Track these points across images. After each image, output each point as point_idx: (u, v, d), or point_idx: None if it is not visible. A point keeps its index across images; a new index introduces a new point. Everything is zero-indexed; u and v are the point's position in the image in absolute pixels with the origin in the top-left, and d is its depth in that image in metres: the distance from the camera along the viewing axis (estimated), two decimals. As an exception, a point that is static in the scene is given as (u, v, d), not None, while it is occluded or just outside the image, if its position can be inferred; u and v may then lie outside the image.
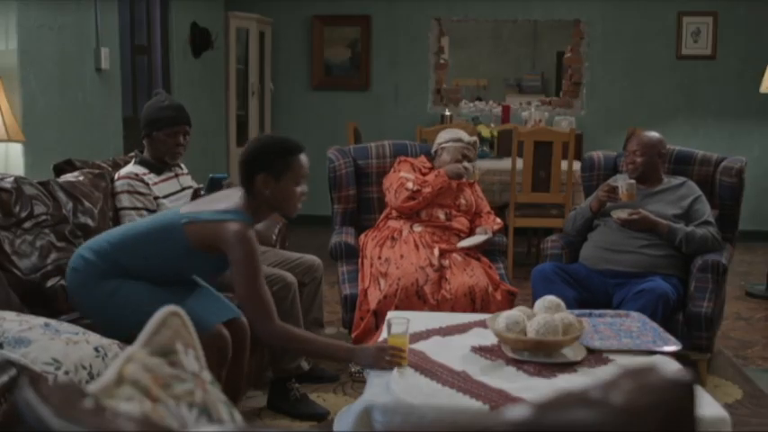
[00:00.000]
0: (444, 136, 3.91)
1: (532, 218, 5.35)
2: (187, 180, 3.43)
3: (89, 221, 3.11)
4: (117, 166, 3.46)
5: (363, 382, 2.65)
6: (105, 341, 2.24)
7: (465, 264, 3.54)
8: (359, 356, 2.43)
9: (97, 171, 3.32)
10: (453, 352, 2.47)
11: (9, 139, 3.84)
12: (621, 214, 3.50)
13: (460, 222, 3.76)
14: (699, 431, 0.74)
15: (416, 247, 3.55)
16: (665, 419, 0.70)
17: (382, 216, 3.85)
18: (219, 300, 2.77)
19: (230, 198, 2.55)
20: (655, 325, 2.77)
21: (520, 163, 5.20)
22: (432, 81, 7.23)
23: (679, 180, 3.67)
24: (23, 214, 2.86)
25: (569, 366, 2.37)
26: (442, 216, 3.73)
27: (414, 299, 3.36)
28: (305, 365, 3.25)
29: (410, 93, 7.23)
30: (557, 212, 5.28)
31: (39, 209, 2.94)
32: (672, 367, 0.99)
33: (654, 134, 3.69)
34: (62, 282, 2.86)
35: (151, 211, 3.16)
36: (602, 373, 2.30)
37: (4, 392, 1.85)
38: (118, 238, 2.60)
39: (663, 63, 6.97)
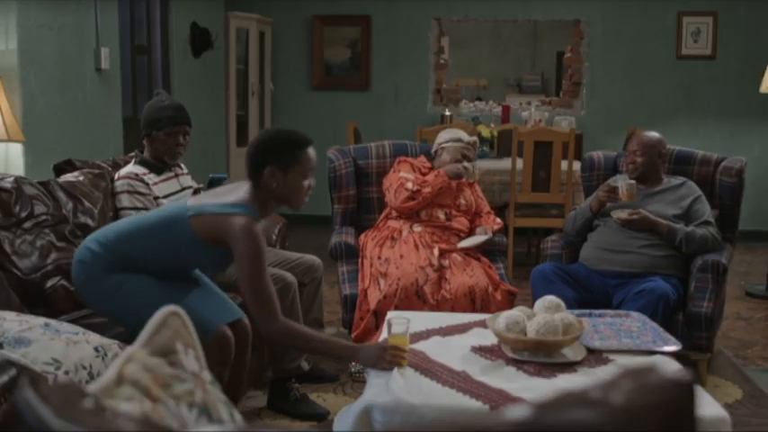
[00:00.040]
0: (444, 136, 3.91)
1: (532, 218, 5.35)
2: (187, 180, 3.43)
3: (89, 221, 3.11)
4: (117, 166, 3.46)
5: (363, 382, 2.65)
6: (105, 341, 2.24)
7: (465, 264, 3.54)
8: (361, 355, 2.42)
9: (97, 171, 3.33)
10: (453, 352, 2.47)
11: (9, 139, 3.84)
12: (621, 214, 3.50)
13: (460, 222, 3.76)
14: (699, 431, 0.74)
15: (416, 247, 3.55)
16: (665, 419, 0.70)
17: (382, 216, 3.85)
18: (224, 300, 2.77)
19: (237, 191, 2.54)
20: (655, 325, 2.77)
21: (520, 163, 5.20)
22: (432, 81, 7.23)
23: (679, 180, 3.67)
24: (23, 214, 2.86)
25: (569, 366, 2.37)
26: (441, 216, 3.72)
27: (414, 299, 3.36)
28: (305, 365, 3.25)
29: (410, 93, 7.23)
30: (557, 212, 5.28)
31: (39, 209, 2.94)
32: (672, 367, 0.99)
33: (654, 134, 3.69)
34: (62, 282, 2.86)
35: (151, 212, 3.16)
36: (602, 373, 2.30)
37: (4, 392, 1.85)
38: (125, 230, 2.60)
39: (663, 63, 6.97)
